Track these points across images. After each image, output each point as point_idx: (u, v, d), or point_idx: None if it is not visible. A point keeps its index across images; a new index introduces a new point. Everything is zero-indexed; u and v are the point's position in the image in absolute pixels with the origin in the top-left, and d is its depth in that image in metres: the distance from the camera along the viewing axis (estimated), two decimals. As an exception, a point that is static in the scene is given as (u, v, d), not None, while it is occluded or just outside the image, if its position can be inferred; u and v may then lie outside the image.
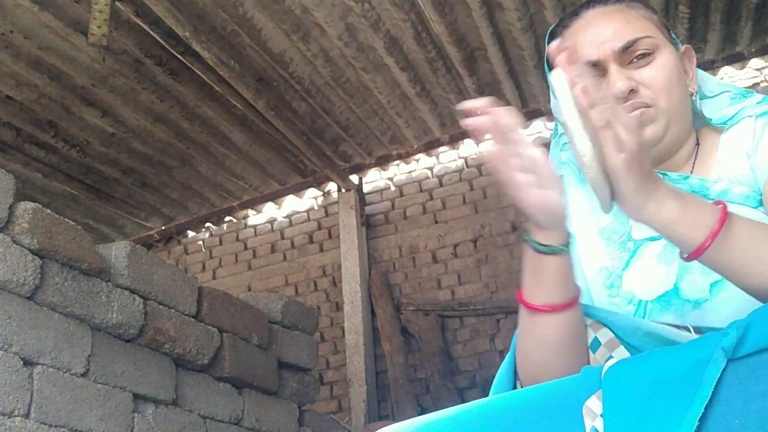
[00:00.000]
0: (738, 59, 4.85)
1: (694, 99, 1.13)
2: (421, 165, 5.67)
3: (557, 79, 0.83)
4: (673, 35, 1.15)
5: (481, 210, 5.36)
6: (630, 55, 1.06)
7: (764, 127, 1.04)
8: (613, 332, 0.97)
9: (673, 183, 1.04)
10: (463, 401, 0.95)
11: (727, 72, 4.93)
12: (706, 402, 0.70)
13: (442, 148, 5.53)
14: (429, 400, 4.92)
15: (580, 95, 0.80)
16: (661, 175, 1.05)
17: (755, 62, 4.93)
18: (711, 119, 1.12)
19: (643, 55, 1.06)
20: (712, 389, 0.71)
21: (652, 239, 1.05)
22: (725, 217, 0.84)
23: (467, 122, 0.85)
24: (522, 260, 0.98)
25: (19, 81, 4.34)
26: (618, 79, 1.05)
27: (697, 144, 1.13)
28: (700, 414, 0.70)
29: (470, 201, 5.42)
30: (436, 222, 5.48)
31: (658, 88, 1.05)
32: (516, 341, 1.02)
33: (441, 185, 5.56)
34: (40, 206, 2.54)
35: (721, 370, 0.72)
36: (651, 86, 1.05)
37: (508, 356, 1.04)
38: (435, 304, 5.23)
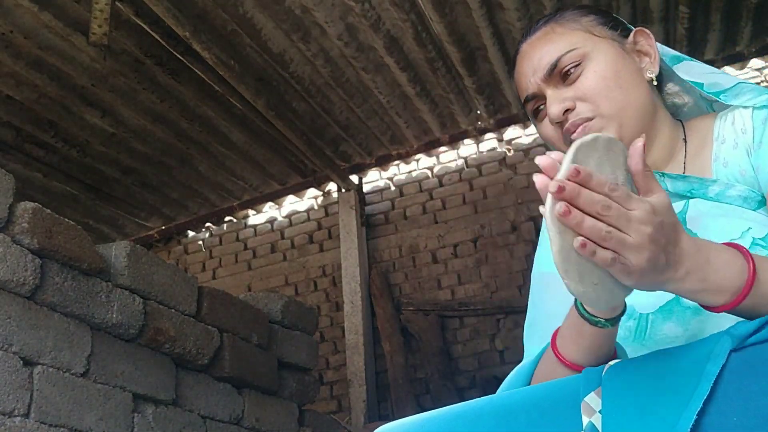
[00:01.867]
0: (738, 59, 4.85)
1: (653, 83, 1.08)
2: (421, 165, 5.67)
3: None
4: (625, 23, 1.12)
5: (481, 210, 5.36)
6: (559, 75, 1.05)
7: (765, 122, 0.99)
8: None
9: (674, 181, 1.02)
10: (463, 401, 0.95)
11: (727, 72, 4.93)
12: (705, 397, 0.70)
13: (442, 148, 5.53)
14: (429, 400, 4.92)
15: (581, 249, 0.71)
16: (658, 177, 1.02)
17: (755, 62, 4.94)
18: (701, 84, 1.07)
19: (572, 70, 1.05)
20: (711, 386, 0.71)
21: None
22: (753, 276, 0.78)
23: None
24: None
25: (19, 81, 4.34)
26: (551, 105, 1.05)
27: (684, 140, 1.09)
28: (699, 409, 0.70)
29: (470, 201, 5.42)
30: (436, 222, 5.48)
31: (595, 96, 1.03)
32: (535, 371, 0.99)
33: (441, 185, 5.56)
34: (40, 206, 2.54)
35: (721, 366, 0.72)
36: (587, 97, 1.03)
37: (520, 373, 1.01)
38: (435, 304, 5.23)
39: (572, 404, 0.80)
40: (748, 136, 1.01)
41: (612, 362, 0.83)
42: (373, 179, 5.78)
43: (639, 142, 0.76)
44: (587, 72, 1.04)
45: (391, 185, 5.73)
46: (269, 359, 3.55)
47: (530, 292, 1.15)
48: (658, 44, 1.11)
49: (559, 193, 0.70)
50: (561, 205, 0.70)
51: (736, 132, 1.02)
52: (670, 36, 4.46)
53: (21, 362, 2.40)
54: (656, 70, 1.08)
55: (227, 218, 6.14)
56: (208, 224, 6.19)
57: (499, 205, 5.31)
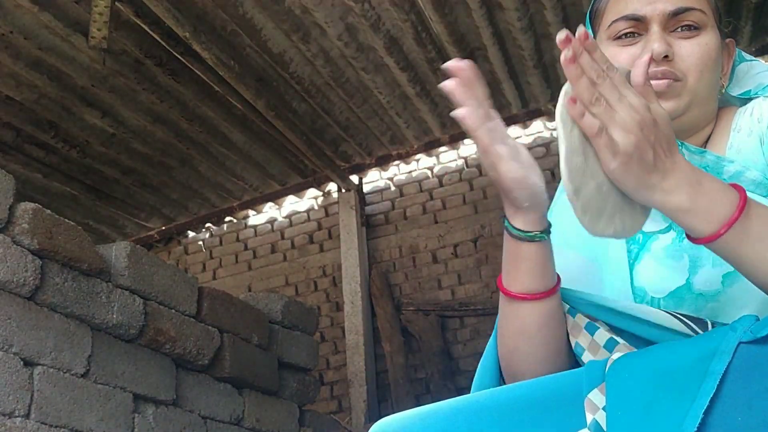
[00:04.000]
0: (738, 59, 4.85)
1: (722, 92, 1.09)
2: (421, 165, 5.67)
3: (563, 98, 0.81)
4: (722, 26, 1.10)
5: (481, 210, 5.36)
6: (677, 22, 1.01)
7: None
8: (592, 316, 0.96)
9: (691, 154, 1.00)
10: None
11: (727, 72, 4.93)
12: (712, 395, 0.70)
13: (442, 148, 5.53)
14: (429, 400, 4.91)
15: (569, 104, 0.78)
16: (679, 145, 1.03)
17: (755, 62, 4.93)
18: (749, 91, 1.09)
19: (690, 27, 1.01)
20: (717, 384, 0.71)
21: (661, 232, 1.01)
22: (743, 208, 0.80)
23: (446, 84, 0.85)
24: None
25: (19, 81, 4.34)
26: (657, 41, 1.00)
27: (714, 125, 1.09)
28: (705, 407, 0.69)
29: (470, 201, 5.42)
30: (436, 222, 5.48)
31: (693, 64, 1.00)
32: (497, 327, 1.01)
33: (441, 185, 5.56)
34: (40, 207, 2.54)
35: (727, 364, 0.72)
36: (686, 60, 1.00)
37: (489, 346, 1.03)
38: (435, 304, 5.23)
39: (575, 400, 0.80)
40: (763, 124, 1.00)
41: (615, 357, 0.82)
42: (373, 179, 5.78)
43: (643, 58, 0.83)
44: (700, 40, 1.01)
45: (391, 185, 5.73)
46: (269, 359, 3.55)
47: None
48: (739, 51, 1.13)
49: (566, 43, 0.77)
50: (568, 52, 0.77)
51: (752, 121, 1.02)
52: (670, 36, 4.47)
53: (21, 363, 2.40)
54: (726, 83, 1.09)
55: (227, 218, 6.14)
56: (208, 225, 6.19)
57: (499, 205, 5.29)
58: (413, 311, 5.24)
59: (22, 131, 4.74)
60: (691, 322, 0.89)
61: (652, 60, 0.98)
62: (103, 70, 4.33)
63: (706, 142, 1.06)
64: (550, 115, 5.18)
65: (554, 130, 5.32)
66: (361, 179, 5.72)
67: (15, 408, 2.33)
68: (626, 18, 1.03)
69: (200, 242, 6.27)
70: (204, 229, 6.25)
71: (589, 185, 0.80)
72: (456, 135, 5.37)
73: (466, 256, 5.30)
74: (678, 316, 0.90)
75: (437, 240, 5.43)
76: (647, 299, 0.98)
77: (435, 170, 5.62)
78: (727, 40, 1.09)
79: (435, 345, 5.07)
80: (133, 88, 4.50)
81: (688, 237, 0.84)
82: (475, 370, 1.03)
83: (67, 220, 2.64)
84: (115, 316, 2.73)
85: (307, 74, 4.60)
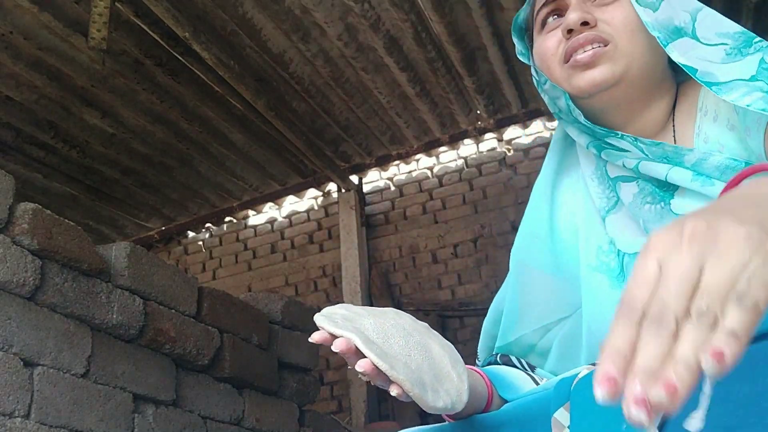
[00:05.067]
0: (738, 59, 4.84)
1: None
2: (421, 165, 5.67)
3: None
4: None
5: (481, 210, 5.36)
6: None
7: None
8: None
9: (647, 147, 0.94)
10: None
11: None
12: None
13: (442, 148, 5.53)
14: (429, 400, 4.91)
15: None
16: (632, 141, 0.95)
17: (755, 62, 4.93)
18: (694, 69, 0.90)
19: None
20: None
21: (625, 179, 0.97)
22: None
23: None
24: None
25: (19, 81, 4.34)
26: (573, 10, 0.96)
27: (674, 107, 0.99)
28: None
29: (470, 201, 5.42)
30: (436, 222, 5.48)
31: (619, 26, 0.94)
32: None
33: (441, 185, 5.56)
34: (40, 207, 2.54)
35: None
36: (611, 23, 0.94)
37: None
38: (435, 304, 5.23)
39: (544, 420, 0.79)
40: (733, 111, 0.90)
41: (582, 375, 0.80)
42: (373, 179, 5.78)
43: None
44: (622, 2, 0.95)
45: (391, 185, 5.73)
46: (269, 359, 3.55)
47: (511, 278, 1.10)
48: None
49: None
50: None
51: (717, 102, 0.93)
52: (670, 36, 4.46)
53: (21, 363, 2.40)
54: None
55: (227, 219, 6.14)
56: (208, 225, 6.19)
57: (499, 205, 5.31)
58: (413, 311, 5.24)
59: (22, 131, 4.74)
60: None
61: (570, 32, 0.95)
62: (103, 71, 4.32)
63: (674, 126, 0.98)
64: (550, 115, 5.18)
65: (555, 130, 5.33)
66: (361, 179, 5.72)
67: (15, 408, 2.32)
68: (545, 3, 1.01)
69: (200, 242, 6.27)
70: (204, 229, 6.25)
71: (398, 363, 0.76)
72: (456, 135, 5.37)
73: (466, 256, 5.30)
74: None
75: (437, 240, 5.43)
76: (614, 253, 0.96)
77: (435, 170, 5.62)
78: None
79: (435, 345, 5.07)
80: (133, 88, 4.50)
81: None
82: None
83: (67, 220, 2.64)
84: (115, 316, 2.73)
85: (307, 74, 4.60)
